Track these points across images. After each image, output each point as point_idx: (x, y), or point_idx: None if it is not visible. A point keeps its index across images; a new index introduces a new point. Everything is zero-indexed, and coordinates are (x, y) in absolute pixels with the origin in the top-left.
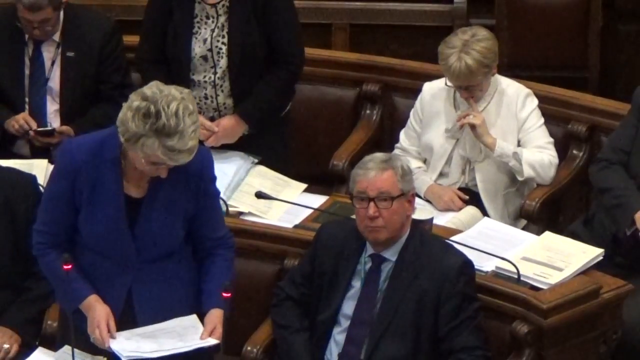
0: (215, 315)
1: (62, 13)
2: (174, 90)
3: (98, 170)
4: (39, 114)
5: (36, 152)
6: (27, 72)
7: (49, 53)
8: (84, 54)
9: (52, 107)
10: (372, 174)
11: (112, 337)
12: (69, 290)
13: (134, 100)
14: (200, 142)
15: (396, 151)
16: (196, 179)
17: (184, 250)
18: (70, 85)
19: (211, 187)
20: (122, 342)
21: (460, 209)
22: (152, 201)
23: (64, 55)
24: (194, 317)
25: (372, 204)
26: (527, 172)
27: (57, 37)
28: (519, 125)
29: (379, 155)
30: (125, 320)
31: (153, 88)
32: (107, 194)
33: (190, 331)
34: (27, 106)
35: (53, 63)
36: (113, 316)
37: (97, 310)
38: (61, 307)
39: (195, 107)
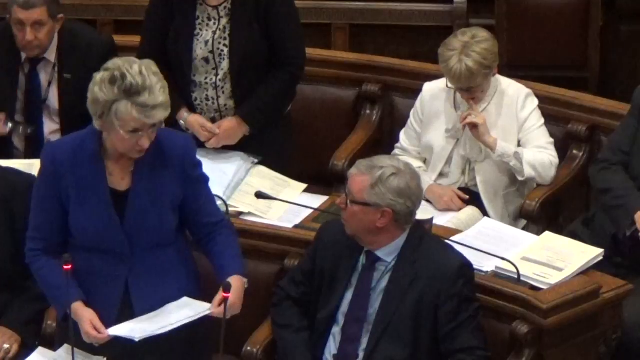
0: (235, 283)
1: (56, 35)
2: (132, 58)
3: (81, 168)
4: (36, 134)
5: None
6: (20, 92)
7: (45, 74)
8: (82, 77)
9: (52, 127)
10: (354, 171)
11: (100, 332)
12: (60, 293)
13: (97, 76)
14: (201, 143)
15: (396, 151)
16: (179, 163)
17: (178, 239)
18: (69, 105)
19: (197, 172)
20: (128, 327)
21: (460, 209)
22: (138, 191)
23: (61, 77)
24: (185, 298)
25: (343, 195)
26: (528, 172)
27: (52, 58)
28: (519, 126)
29: (377, 160)
30: (124, 314)
31: (111, 60)
32: (93, 190)
33: (193, 304)
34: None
35: (50, 84)
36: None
37: (81, 315)
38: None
39: (157, 70)
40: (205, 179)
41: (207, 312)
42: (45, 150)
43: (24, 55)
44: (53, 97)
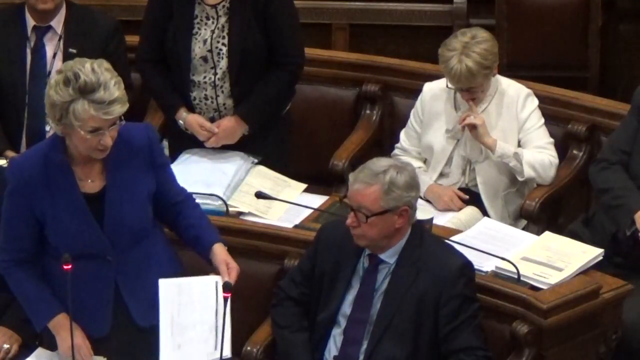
0: (221, 251)
1: (65, 8)
2: (84, 59)
3: (51, 180)
4: (38, 106)
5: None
6: (28, 64)
7: (51, 46)
8: (87, 51)
9: None
10: (356, 186)
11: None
12: (38, 308)
13: (52, 80)
14: (201, 143)
15: (396, 151)
16: (146, 152)
17: (156, 229)
18: None
19: (162, 158)
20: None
21: (460, 209)
22: (112, 191)
23: (66, 51)
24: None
25: (352, 213)
26: (528, 172)
27: (59, 29)
28: (520, 126)
29: (376, 165)
30: (120, 314)
31: (65, 62)
32: (66, 198)
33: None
34: (27, 98)
35: (55, 56)
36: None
37: (70, 332)
38: None
39: (110, 66)
40: (167, 162)
41: (221, 280)
42: (11, 167)
43: (29, 27)
44: (57, 71)
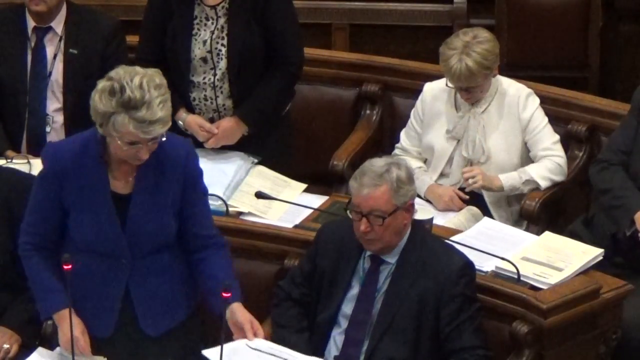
0: (244, 310)
1: (65, 8)
2: (137, 67)
3: (83, 171)
4: (38, 107)
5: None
6: (29, 65)
7: (51, 46)
8: (88, 52)
9: (55, 105)
10: (365, 191)
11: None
12: (46, 297)
13: (100, 84)
14: (200, 144)
15: (396, 151)
16: (181, 169)
17: (177, 243)
18: (73, 81)
19: (197, 181)
20: None
21: (460, 209)
22: (140, 196)
23: (67, 52)
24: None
25: (364, 219)
26: (544, 184)
27: (59, 30)
28: (523, 127)
29: (376, 166)
30: (126, 318)
31: (117, 69)
32: (94, 193)
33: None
34: (27, 98)
35: (55, 57)
36: (110, 315)
37: (71, 324)
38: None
39: (163, 81)
40: (204, 191)
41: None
42: (47, 150)
43: (30, 27)
44: (57, 72)
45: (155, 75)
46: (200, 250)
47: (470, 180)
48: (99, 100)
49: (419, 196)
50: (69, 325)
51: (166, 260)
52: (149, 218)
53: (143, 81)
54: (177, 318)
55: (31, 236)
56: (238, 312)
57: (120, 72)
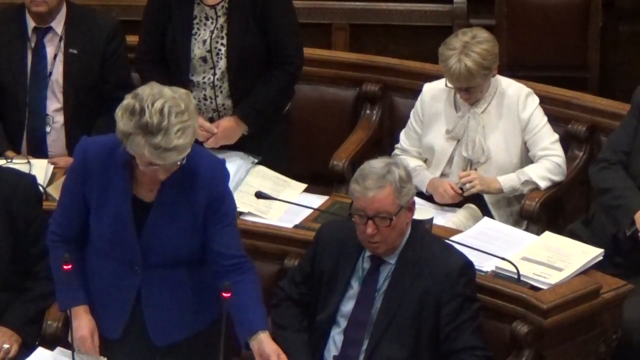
0: (270, 340)
1: (65, 9)
2: (166, 90)
3: (109, 172)
4: (38, 107)
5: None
6: (29, 65)
7: (51, 47)
8: (88, 52)
9: (55, 105)
10: (370, 194)
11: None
12: (67, 289)
13: (126, 99)
14: (200, 144)
15: (396, 151)
16: (206, 190)
17: (197, 262)
18: (73, 81)
19: (224, 203)
20: None
21: (453, 199)
22: (160, 206)
23: (67, 52)
24: None
25: (370, 222)
26: (543, 184)
27: (60, 30)
28: (522, 126)
29: (377, 168)
30: (135, 324)
31: (146, 87)
32: (116, 195)
33: None
34: (27, 99)
35: (55, 57)
36: (97, 330)
37: (83, 323)
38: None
39: (190, 106)
40: (229, 213)
41: None
42: (81, 144)
43: (30, 27)
44: (57, 72)
45: (181, 100)
46: (228, 273)
47: (468, 185)
48: (120, 118)
49: (419, 193)
50: (83, 322)
51: (181, 275)
52: (165, 231)
53: (165, 106)
54: (187, 332)
55: (58, 226)
56: (265, 343)
57: (146, 91)
